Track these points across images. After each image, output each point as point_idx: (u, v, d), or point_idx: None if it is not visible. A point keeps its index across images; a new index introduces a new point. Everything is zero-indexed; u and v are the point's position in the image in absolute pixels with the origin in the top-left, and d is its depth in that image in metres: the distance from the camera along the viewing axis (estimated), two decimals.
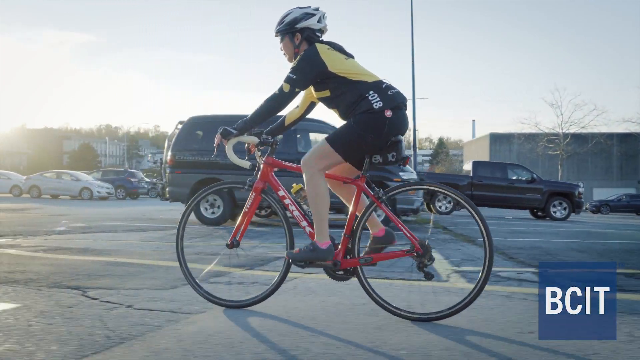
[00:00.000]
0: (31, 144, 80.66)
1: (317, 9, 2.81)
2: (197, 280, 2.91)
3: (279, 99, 2.66)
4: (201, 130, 9.69)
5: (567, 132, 38.77)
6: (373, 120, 2.57)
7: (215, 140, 2.77)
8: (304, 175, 2.66)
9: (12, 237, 6.47)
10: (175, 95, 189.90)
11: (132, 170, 30.00)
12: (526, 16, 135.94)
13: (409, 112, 2.77)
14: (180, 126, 9.89)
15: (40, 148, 79.38)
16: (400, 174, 9.04)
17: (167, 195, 9.68)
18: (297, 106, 2.99)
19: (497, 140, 46.62)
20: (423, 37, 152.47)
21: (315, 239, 2.64)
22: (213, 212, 9.27)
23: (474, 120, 73.82)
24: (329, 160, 2.65)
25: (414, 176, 9.20)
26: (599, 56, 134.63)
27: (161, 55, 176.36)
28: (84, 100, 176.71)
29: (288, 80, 2.64)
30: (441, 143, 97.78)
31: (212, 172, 9.29)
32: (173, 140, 9.70)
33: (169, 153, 9.67)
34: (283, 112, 2.83)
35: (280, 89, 2.65)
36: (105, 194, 24.12)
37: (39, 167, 45.60)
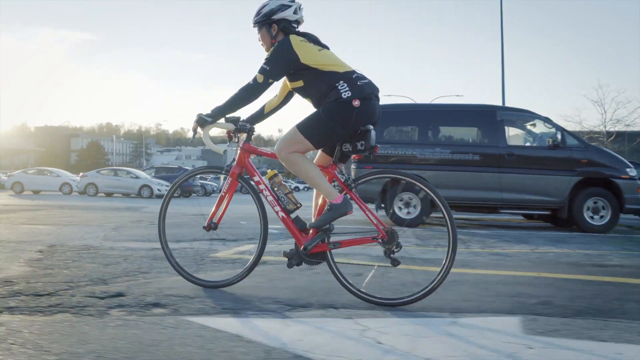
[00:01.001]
0: (38, 141, 79.12)
1: (293, 1, 2.83)
2: (180, 264, 3.04)
3: (253, 89, 2.69)
4: (384, 120, 8.73)
5: (611, 130, 38.06)
6: (341, 110, 2.61)
7: (192, 127, 2.82)
8: (282, 162, 2.74)
9: (238, 242, 5.51)
10: (176, 94, 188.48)
11: (186, 168, 28.85)
12: (548, 12, 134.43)
13: None
14: None
15: (46, 146, 77.84)
16: (627, 170, 8.14)
17: None
18: (276, 95, 3.06)
19: None
20: (425, 35, 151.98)
21: (328, 200, 2.67)
22: (409, 212, 8.33)
23: None
24: (300, 146, 2.69)
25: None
26: None
27: (161, 55, 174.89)
28: (84, 99, 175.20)
29: (262, 71, 2.67)
30: None
31: (410, 167, 8.34)
32: None
33: None
34: (259, 102, 2.86)
35: (255, 80, 2.68)
36: (165, 192, 22.98)
37: (48, 165, 44.14)
